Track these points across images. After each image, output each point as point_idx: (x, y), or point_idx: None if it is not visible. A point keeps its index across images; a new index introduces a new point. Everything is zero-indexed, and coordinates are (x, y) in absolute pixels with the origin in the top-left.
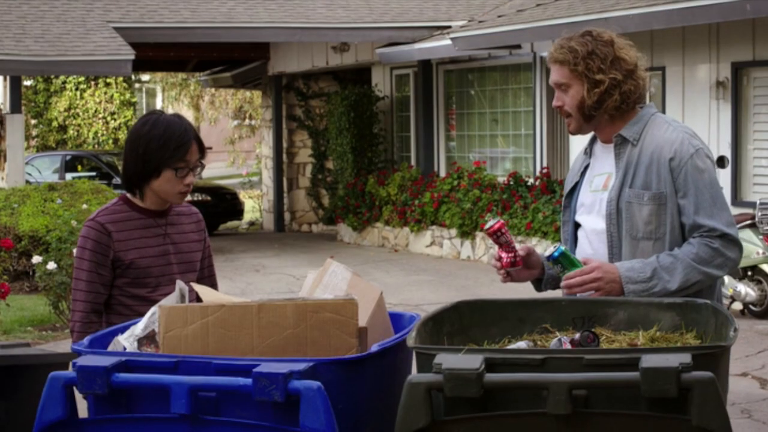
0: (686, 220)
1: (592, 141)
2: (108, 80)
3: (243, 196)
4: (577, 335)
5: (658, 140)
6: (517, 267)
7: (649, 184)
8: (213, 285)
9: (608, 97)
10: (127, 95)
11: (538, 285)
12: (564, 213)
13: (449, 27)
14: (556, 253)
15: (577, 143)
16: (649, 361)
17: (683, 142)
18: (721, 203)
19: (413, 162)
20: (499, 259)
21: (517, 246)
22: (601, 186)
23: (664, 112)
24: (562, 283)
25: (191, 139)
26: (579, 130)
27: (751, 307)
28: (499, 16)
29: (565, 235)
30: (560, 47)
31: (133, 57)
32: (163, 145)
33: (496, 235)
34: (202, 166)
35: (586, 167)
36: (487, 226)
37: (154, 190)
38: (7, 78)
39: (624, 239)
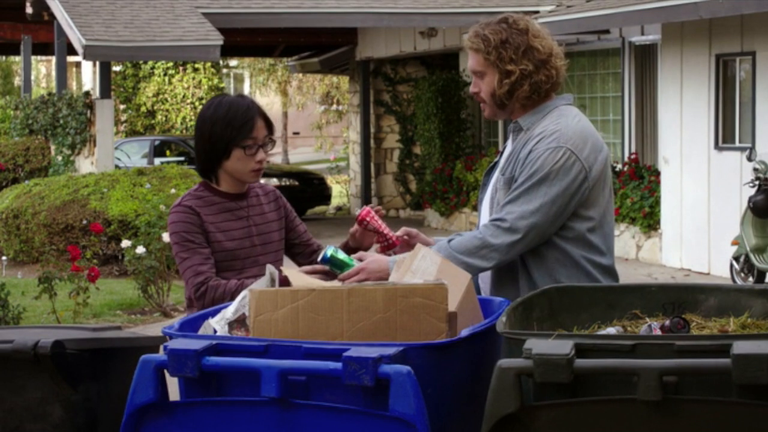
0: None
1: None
2: (196, 66)
3: (330, 181)
4: (668, 321)
5: (540, 129)
6: (394, 248)
7: (513, 170)
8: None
9: (518, 87)
10: (215, 80)
11: None
12: (481, 191)
13: (537, 12)
14: (326, 256)
15: (666, 130)
16: (740, 347)
17: (553, 134)
18: (537, 199)
19: (501, 147)
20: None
21: (400, 230)
22: (498, 169)
23: (753, 98)
24: None
25: (255, 116)
26: (493, 116)
27: None
28: (588, 1)
29: (479, 212)
30: (475, 35)
31: (221, 42)
32: (228, 125)
33: (363, 224)
34: (273, 142)
35: (505, 149)
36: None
37: (227, 171)
38: (97, 63)
39: None
